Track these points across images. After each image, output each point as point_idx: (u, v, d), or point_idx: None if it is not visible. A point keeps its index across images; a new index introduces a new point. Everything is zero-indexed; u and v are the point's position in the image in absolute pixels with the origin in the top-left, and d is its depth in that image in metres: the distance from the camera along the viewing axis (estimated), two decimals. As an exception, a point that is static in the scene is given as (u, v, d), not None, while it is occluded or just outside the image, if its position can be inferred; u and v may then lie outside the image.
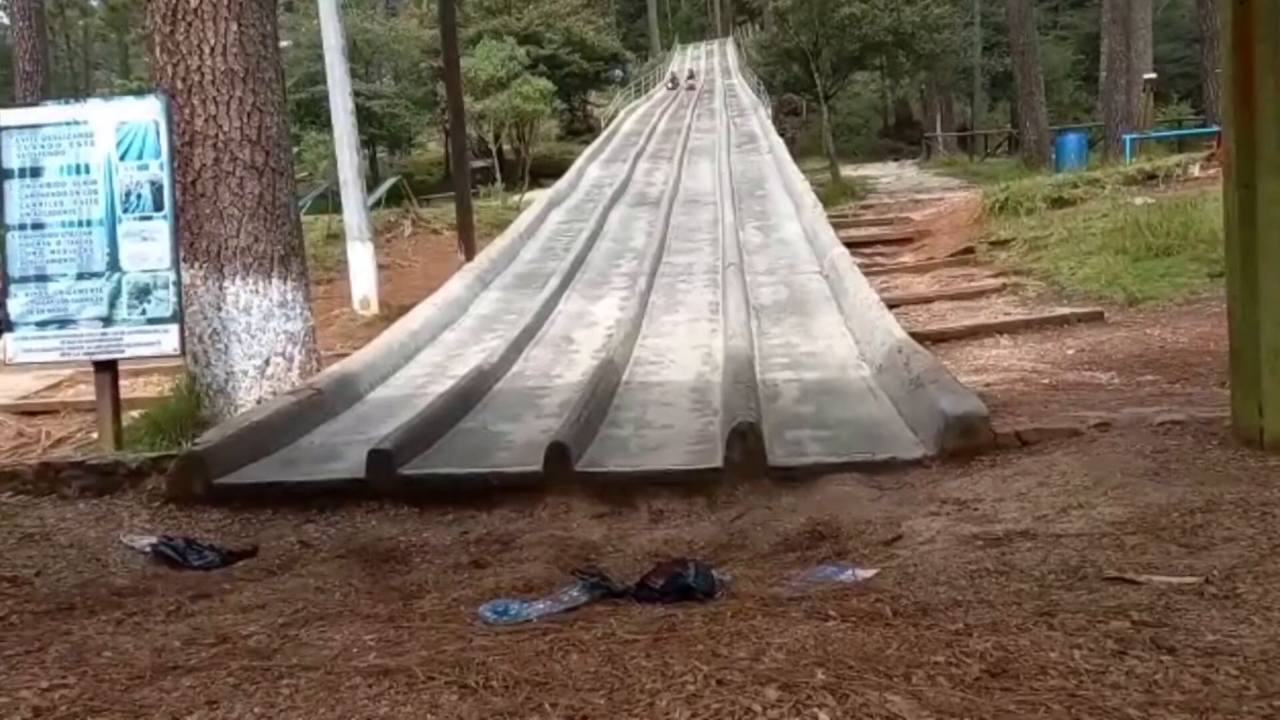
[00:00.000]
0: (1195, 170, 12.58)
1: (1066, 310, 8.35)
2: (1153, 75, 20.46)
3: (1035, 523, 3.10)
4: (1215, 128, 18.11)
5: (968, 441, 4.06)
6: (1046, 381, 6.13)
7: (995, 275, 10.21)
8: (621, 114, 32.57)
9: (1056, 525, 3.04)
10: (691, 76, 42.16)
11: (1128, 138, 18.33)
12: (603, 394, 5.53)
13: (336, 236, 14.95)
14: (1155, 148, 16.76)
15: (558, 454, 4.21)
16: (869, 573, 2.81)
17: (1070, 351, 7.05)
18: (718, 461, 4.17)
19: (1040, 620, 2.21)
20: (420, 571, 3.38)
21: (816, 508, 3.67)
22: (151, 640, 2.50)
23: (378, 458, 4.29)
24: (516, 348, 7.24)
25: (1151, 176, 12.53)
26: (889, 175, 24.41)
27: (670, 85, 42.19)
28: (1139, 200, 11.11)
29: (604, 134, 25.64)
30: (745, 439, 4.13)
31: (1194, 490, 3.16)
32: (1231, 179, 3.69)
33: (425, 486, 4.27)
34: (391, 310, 11.32)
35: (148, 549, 3.60)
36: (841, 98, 34.86)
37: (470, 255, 11.90)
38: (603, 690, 1.94)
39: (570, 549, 3.50)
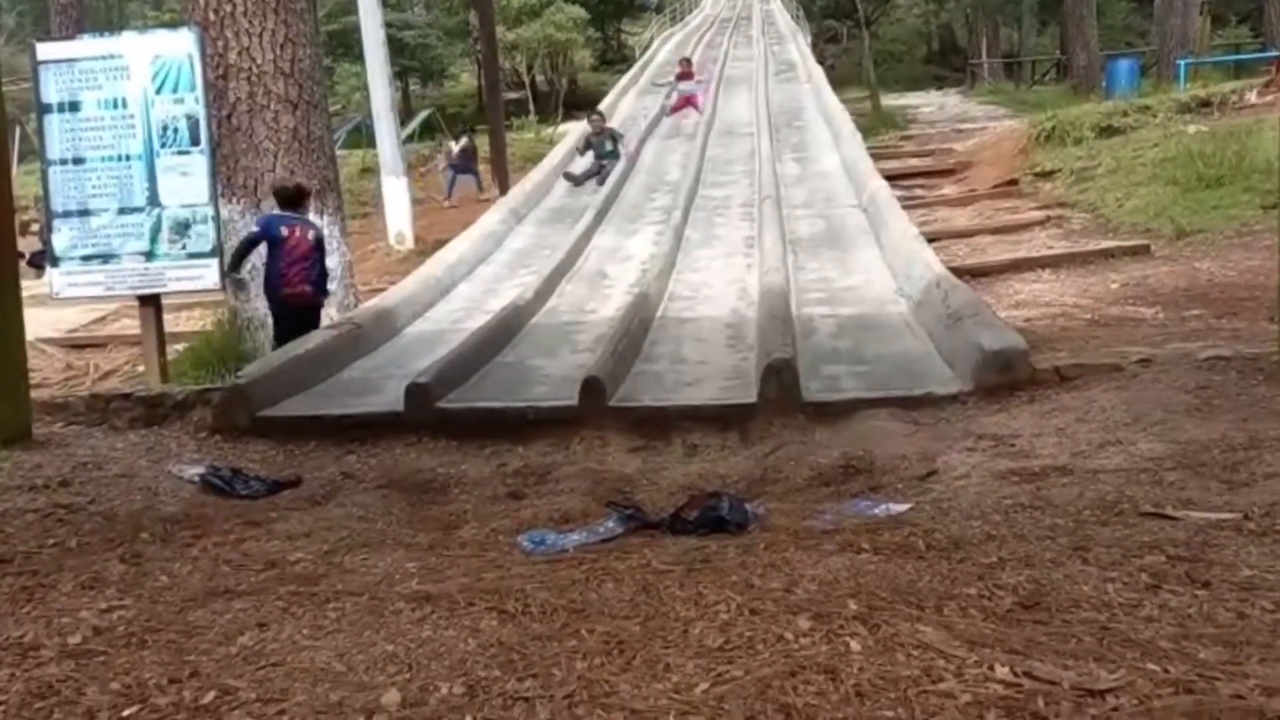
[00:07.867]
0: (1252, 97, 12.10)
1: (1112, 244, 8.16)
2: (1211, -4, 19.56)
3: (1072, 459, 3.08)
4: (1275, 52, 17.37)
5: (1005, 377, 4.03)
6: (1088, 317, 6.03)
7: (1039, 208, 9.98)
8: (656, 42, 31.86)
9: (1094, 461, 3.02)
10: (685, 69, 17.10)
11: (1182, 63, 17.62)
12: (637, 329, 5.54)
13: (371, 171, 14.95)
14: (1211, 73, 16.10)
15: (593, 388, 4.24)
16: (903, 507, 2.82)
17: (1114, 286, 6.90)
18: (752, 396, 4.17)
19: (1074, 555, 2.21)
20: (459, 502, 3.45)
21: (851, 442, 3.68)
22: (203, 565, 2.59)
23: (416, 391, 4.36)
24: (551, 282, 7.25)
25: (1206, 104, 12.06)
26: (932, 104, 23.73)
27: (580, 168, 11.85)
28: (1191, 129, 10.73)
29: (638, 64, 25.13)
30: (780, 374, 4.12)
31: (1236, 426, 3.11)
32: (1290, 106, 3.55)
33: (462, 420, 4.32)
34: (427, 245, 11.35)
35: (196, 479, 3.70)
36: (883, 23, 33.84)
37: (504, 189, 11.83)
38: (638, 618, 1.99)
39: (605, 481, 3.55)
